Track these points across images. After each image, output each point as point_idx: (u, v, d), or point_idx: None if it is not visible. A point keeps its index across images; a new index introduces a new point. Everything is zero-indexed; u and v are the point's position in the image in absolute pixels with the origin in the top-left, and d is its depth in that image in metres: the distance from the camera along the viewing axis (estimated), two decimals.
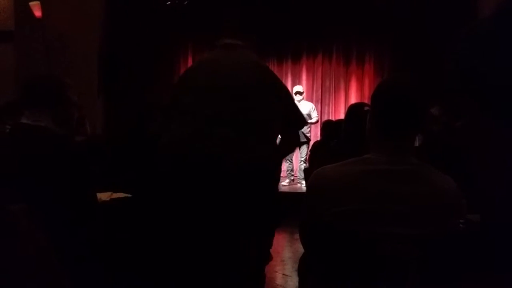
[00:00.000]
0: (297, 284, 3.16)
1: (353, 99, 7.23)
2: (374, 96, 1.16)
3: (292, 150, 1.95)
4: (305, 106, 6.08)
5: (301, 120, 1.71)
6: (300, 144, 5.96)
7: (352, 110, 2.29)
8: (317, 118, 6.23)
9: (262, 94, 1.54)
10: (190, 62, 7.45)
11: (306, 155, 6.10)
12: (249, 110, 1.48)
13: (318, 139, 6.97)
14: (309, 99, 7.29)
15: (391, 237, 1.04)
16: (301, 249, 4.17)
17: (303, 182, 6.02)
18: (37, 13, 5.66)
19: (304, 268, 1.34)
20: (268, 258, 1.70)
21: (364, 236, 1.05)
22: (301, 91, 6.17)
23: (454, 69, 0.72)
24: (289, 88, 6.66)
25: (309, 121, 6.04)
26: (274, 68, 7.45)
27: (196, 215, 1.39)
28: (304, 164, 6.10)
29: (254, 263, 1.52)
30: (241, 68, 1.58)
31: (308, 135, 6.15)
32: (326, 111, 7.41)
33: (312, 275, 1.24)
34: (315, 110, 6.28)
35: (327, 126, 4.34)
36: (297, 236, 4.52)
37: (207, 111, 1.46)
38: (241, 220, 1.42)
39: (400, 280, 1.03)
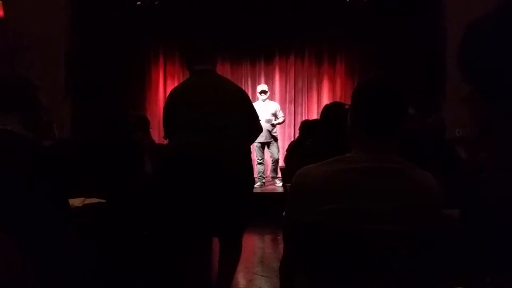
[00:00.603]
0: (276, 285, 3.17)
1: (325, 99, 7.31)
2: (356, 94, 1.16)
3: (254, 139, 2.58)
4: (271, 106, 6.08)
5: (257, 120, 2.50)
6: (266, 144, 6.00)
7: (327, 110, 2.30)
8: (283, 118, 6.24)
9: (233, 104, 2.26)
10: (161, 62, 7.35)
11: (278, 151, 6.11)
12: (224, 116, 2.22)
13: (288, 139, 7.06)
14: (282, 99, 7.33)
15: (377, 234, 1.04)
16: (279, 250, 4.17)
17: (277, 181, 6.02)
18: None
19: (287, 270, 1.32)
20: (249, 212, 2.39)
21: (351, 234, 1.05)
22: (266, 90, 6.14)
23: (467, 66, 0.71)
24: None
25: (274, 122, 6.04)
26: (247, 68, 7.46)
27: (199, 184, 2.18)
28: (277, 164, 6.11)
29: (248, 208, 2.35)
30: (215, 87, 2.29)
31: (275, 134, 6.15)
32: (299, 111, 7.46)
33: (297, 276, 1.23)
34: (281, 110, 6.27)
35: (305, 126, 4.36)
36: (274, 236, 4.53)
37: (195, 122, 2.20)
38: (227, 184, 2.21)
39: (388, 277, 1.03)
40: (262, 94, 6.06)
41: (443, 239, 1.17)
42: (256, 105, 5.76)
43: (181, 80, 7.34)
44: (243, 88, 7.02)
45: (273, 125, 6.08)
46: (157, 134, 7.11)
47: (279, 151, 6.16)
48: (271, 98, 6.91)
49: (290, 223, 1.23)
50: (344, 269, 1.09)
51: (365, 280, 1.06)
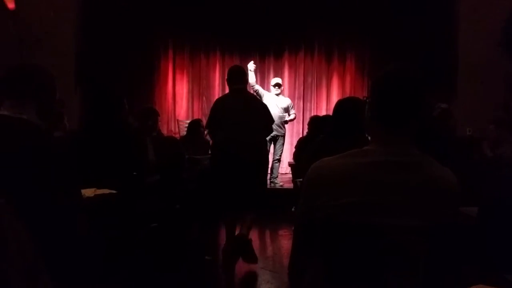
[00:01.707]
0: (284, 279, 3.17)
1: (335, 96, 7.28)
2: (373, 85, 1.14)
3: (267, 136, 3.83)
4: (284, 101, 5.97)
5: (271, 123, 3.61)
6: (273, 139, 5.83)
7: (342, 104, 2.29)
8: (294, 115, 6.16)
9: (256, 112, 3.39)
10: (170, 56, 7.35)
11: (281, 152, 6.02)
12: (250, 119, 3.32)
13: (297, 135, 7.04)
14: (291, 95, 7.30)
15: (394, 228, 1.03)
16: (286, 246, 4.16)
17: (277, 181, 5.95)
18: (10, 5, 5.46)
19: (296, 265, 1.31)
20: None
21: (367, 228, 1.03)
22: (280, 83, 6.03)
23: None
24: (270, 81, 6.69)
25: (287, 118, 5.98)
26: (256, 64, 7.41)
27: (236, 167, 3.25)
28: (278, 163, 6.00)
29: (262, 186, 3.61)
30: (245, 100, 3.42)
31: (282, 132, 5.97)
32: (308, 107, 7.43)
33: (307, 272, 1.21)
34: (293, 106, 6.21)
35: (314, 122, 4.34)
36: (281, 232, 4.51)
37: (232, 124, 3.30)
38: (255, 164, 3.34)
39: (407, 271, 1.02)
40: (276, 87, 5.93)
41: (461, 235, 1.15)
42: (269, 97, 5.73)
43: (190, 74, 7.40)
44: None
45: (286, 122, 6.02)
46: (166, 127, 7.13)
47: (282, 151, 6.06)
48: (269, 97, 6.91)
49: (303, 217, 1.22)
50: (358, 264, 1.07)
51: (380, 274, 1.05)
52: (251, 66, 5.29)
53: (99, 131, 2.45)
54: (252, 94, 4.04)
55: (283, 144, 6.00)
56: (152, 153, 2.68)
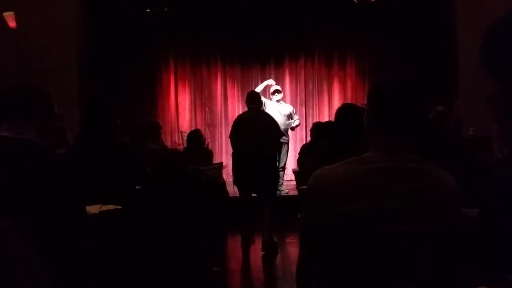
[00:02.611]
0: (292, 287, 3.15)
1: (336, 101, 7.29)
2: (373, 93, 1.15)
3: (278, 140, 4.60)
4: (286, 108, 6.00)
5: (279, 135, 4.59)
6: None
7: (341, 112, 2.30)
8: (299, 121, 6.17)
9: (269, 126, 4.28)
10: (172, 67, 7.40)
11: (285, 160, 6.02)
12: (264, 132, 4.17)
13: (300, 141, 7.04)
14: (293, 102, 7.32)
15: (396, 235, 1.03)
16: (293, 253, 4.16)
17: (282, 188, 5.94)
18: (11, 23, 5.53)
19: (303, 273, 1.31)
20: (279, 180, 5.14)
21: (369, 235, 1.04)
22: (279, 89, 6.08)
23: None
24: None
25: (293, 124, 5.99)
26: (257, 71, 7.48)
27: (252, 169, 4.11)
28: (282, 171, 5.97)
29: (276, 180, 4.72)
30: (260, 117, 4.34)
31: (286, 140, 5.96)
32: (310, 114, 7.45)
33: (314, 280, 1.22)
34: (296, 113, 6.22)
35: (317, 128, 4.35)
36: (288, 240, 4.51)
37: (248, 137, 4.14)
38: (269, 165, 4.26)
39: (408, 278, 1.02)
40: (276, 94, 5.97)
41: (463, 238, 1.16)
42: (271, 106, 5.75)
43: (192, 84, 7.46)
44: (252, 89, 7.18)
45: (293, 128, 6.04)
46: (169, 140, 7.17)
47: (287, 158, 6.06)
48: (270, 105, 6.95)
49: (307, 225, 1.23)
50: (363, 271, 1.08)
51: (385, 281, 1.05)
52: (270, 81, 6.27)
53: (92, 148, 2.47)
54: (266, 112, 4.74)
55: (287, 151, 6.01)
56: (147, 167, 2.70)
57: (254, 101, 4.45)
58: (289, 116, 5.94)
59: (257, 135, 4.14)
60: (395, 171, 1.10)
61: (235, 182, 4.43)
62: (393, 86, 1.11)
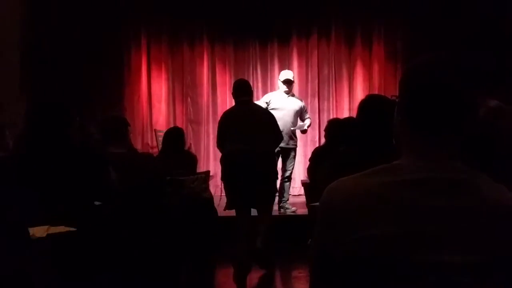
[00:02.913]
0: None
1: (359, 91, 7.32)
2: (406, 81, 1.15)
3: (276, 145, 4.85)
4: (295, 103, 5.84)
5: (279, 134, 4.74)
6: (283, 151, 5.76)
7: (366, 105, 2.31)
8: (310, 120, 6.07)
9: (263, 124, 4.44)
10: (144, 51, 7.41)
11: (292, 168, 5.97)
12: (257, 132, 4.34)
13: (312, 144, 7.04)
14: (303, 92, 7.34)
15: (437, 267, 1.03)
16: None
17: (287, 206, 5.92)
18: None
19: None
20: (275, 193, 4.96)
21: (401, 268, 1.04)
22: (291, 79, 5.85)
23: None
24: (276, 74, 6.71)
25: (305, 127, 5.91)
26: (255, 52, 7.51)
27: (242, 175, 4.33)
28: (288, 182, 5.96)
29: (271, 192, 4.74)
30: (253, 113, 4.48)
31: (294, 145, 5.90)
32: (325, 108, 7.48)
33: None
34: (306, 109, 6.14)
35: (333, 127, 4.35)
36: (295, 273, 4.53)
37: (239, 136, 4.33)
38: (259, 174, 4.37)
39: None
40: (286, 84, 5.76)
41: None
42: (277, 100, 5.69)
43: (170, 69, 7.46)
44: (251, 77, 7.18)
45: (304, 132, 5.99)
46: (140, 141, 7.17)
47: (294, 166, 6.02)
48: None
49: (320, 254, 1.23)
50: None
51: None
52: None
53: (39, 152, 2.47)
54: (259, 106, 4.86)
55: (294, 157, 5.95)
56: (113, 175, 2.71)
57: (244, 92, 4.51)
58: (299, 114, 5.86)
59: (250, 138, 4.31)
60: (434, 183, 1.10)
61: (228, 198, 4.65)
62: (432, 73, 1.11)
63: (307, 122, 5.98)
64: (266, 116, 4.58)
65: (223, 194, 7.19)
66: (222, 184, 4.75)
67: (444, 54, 1.13)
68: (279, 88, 5.92)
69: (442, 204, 1.06)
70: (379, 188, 1.11)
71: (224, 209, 4.72)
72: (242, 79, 5.01)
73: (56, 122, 2.50)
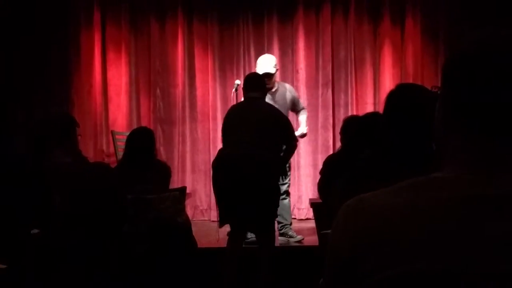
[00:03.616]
0: None
1: (388, 80, 7.36)
2: (452, 67, 1.15)
3: (290, 155, 5.21)
4: (282, 98, 5.90)
5: (291, 138, 5.02)
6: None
7: (398, 96, 2.32)
8: (306, 114, 6.15)
9: (271, 125, 4.78)
10: (97, 28, 7.43)
11: (288, 181, 6.05)
12: (261, 135, 4.68)
13: (324, 150, 7.02)
14: (312, 80, 7.38)
15: None
16: None
17: (292, 232, 5.91)
18: None
19: None
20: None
21: None
22: (271, 72, 5.80)
23: None
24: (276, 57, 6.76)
25: (303, 131, 6.00)
26: (247, 30, 7.51)
27: (232, 187, 4.67)
28: (287, 198, 6.02)
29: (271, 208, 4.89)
30: (260, 111, 4.84)
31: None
32: (341, 102, 7.53)
33: None
34: (299, 99, 6.21)
35: (351, 127, 4.36)
36: None
37: (240, 136, 4.75)
38: (259, 186, 4.66)
39: None
40: (265, 79, 5.63)
41: None
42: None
43: (131, 51, 7.47)
44: (241, 63, 7.19)
45: (302, 135, 6.01)
46: (92, 146, 7.15)
47: (290, 177, 6.03)
48: (284, 79, 6.91)
49: None
50: None
51: None
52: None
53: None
54: (270, 105, 5.17)
55: (290, 167, 5.98)
56: (59, 195, 2.70)
57: (254, 86, 4.94)
58: (290, 108, 5.92)
59: (251, 141, 4.64)
60: (492, 202, 1.09)
61: (218, 211, 5.01)
62: (489, 55, 1.11)
63: (304, 118, 6.06)
64: (277, 118, 4.90)
65: (206, 218, 7.32)
66: (215, 195, 5.07)
67: (507, 31, 1.12)
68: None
69: (503, 229, 1.06)
70: (417, 207, 1.10)
71: (219, 226, 5.11)
72: (254, 73, 5.48)
73: None
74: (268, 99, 5.80)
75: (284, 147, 5.07)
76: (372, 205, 1.14)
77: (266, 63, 5.84)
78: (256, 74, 5.38)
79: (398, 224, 1.09)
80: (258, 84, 5.00)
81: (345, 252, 1.14)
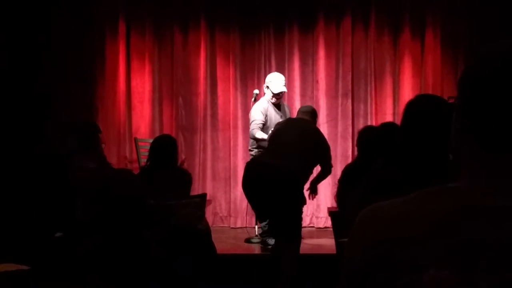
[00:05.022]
0: None
1: (407, 91, 7.31)
2: (469, 78, 1.14)
3: (324, 176, 5.49)
4: (285, 115, 6.22)
5: (329, 161, 5.29)
6: None
7: (416, 108, 2.31)
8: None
9: (312, 144, 5.07)
10: (122, 38, 7.49)
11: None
12: (301, 149, 4.93)
13: (343, 159, 6.97)
14: (331, 91, 7.39)
15: None
16: None
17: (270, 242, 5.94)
18: None
19: None
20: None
21: None
22: (285, 90, 6.28)
23: None
24: (296, 68, 6.90)
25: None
26: (268, 41, 7.53)
27: (254, 192, 5.01)
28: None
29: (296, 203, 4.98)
30: (305, 130, 5.14)
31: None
32: (361, 112, 7.51)
33: None
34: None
35: (368, 137, 4.35)
36: None
37: (274, 146, 5.22)
38: (271, 194, 4.79)
39: None
40: (277, 97, 6.16)
41: None
42: (271, 113, 6.05)
43: (155, 60, 7.51)
44: (262, 73, 7.21)
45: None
46: (115, 152, 7.19)
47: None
48: (304, 89, 6.97)
49: None
50: None
51: None
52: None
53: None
54: (317, 129, 5.45)
55: None
56: (83, 200, 2.72)
57: (308, 114, 5.36)
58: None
59: (283, 152, 4.91)
60: (509, 215, 1.08)
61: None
62: (507, 66, 1.10)
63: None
64: (320, 140, 5.17)
65: (225, 224, 7.32)
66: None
67: None
68: (264, 95, 6.19)
69: None
70: (435, 216, 1.09)
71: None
72: (311, 106, 5.85)
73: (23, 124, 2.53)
74: (277, 114, 5.94)
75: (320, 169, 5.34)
76: (388, 213, 1.14)
77: (282, 82, 6.14)
78: (312, 108, 5.67)
79: (413, 232, 1.09)
80: (313, 114, 5.42)
81: (360, 260, 1.14)
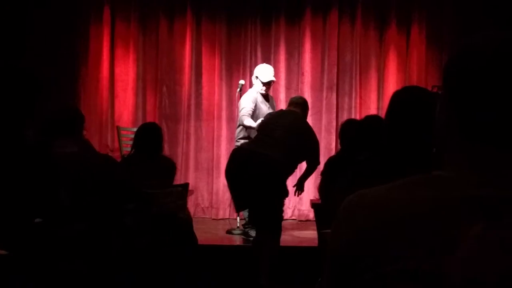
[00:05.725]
0: None
1: (392, 85, 7.34)
2: (453, 68, 1.14)
3: (311, 173, 5.53)
4: (273, 107, 6.29)
5: (316, 159, 5.35)
6: None
7: (399, 99, 2.31)
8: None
9: (301, 139, 5.10)
10: (106, 25, 7.46)
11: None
12: (288, 142, 4.96)
13: (326, 152, 6.99)
14: (317, 84, 7.42)
15: None
16: None
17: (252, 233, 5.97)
18: None
19: None
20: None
21: None
22: (274, 80, 6.35)
23: None
24: (282, 59, 6.96)
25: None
26: (255, 31, 7.53)
27: (237, 179, 4.99)
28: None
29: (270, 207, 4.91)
30: (296, 125, 5.19)
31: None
32: (345, 105, 7.55)
33: None
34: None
35: (350, 130, 4.37)
36: None
37: (261, 134, 5.24)
38: (252, 182, 4.82)
39: None
40: (267, 86, 6.27)
41: None
42: (260, 103, 6.12)
43: (140, 48, 7.48)
44: (248, 64, 7.20)
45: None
46: (97, 140, 7.15)
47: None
48: (289, 81, 6.96)
49: None
50: None
51: None
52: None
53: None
54: (308, 125, 5.47)
55: None
56: (64, 185, 2.71)
57: (299, 105, 5.34)
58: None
59: (269, 141, 4.95)
60: (495, 204, 1.07)
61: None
62: (491, 55, 1.10)
63: None
64: (309, 136, 5.22)
65: (207, 215, 7.32)
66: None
67: (509, 33, 1.12)
68: (252, 86, 6.23)
69: (503, 232, 1.05)
70: (416, 205, 1.09)
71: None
72: (302, 98, 5.81)
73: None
74: (265, 105, 5.98)
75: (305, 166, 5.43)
76: (372, 201, 1.13)
77: (271, 72, 6.25)
78: (303, 99, 5.65)
79: (396, 220, 1.09)
80: (304, 107, 5.37)
81: (344, 247, 1.14)
